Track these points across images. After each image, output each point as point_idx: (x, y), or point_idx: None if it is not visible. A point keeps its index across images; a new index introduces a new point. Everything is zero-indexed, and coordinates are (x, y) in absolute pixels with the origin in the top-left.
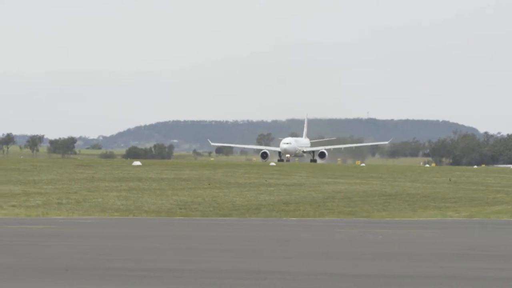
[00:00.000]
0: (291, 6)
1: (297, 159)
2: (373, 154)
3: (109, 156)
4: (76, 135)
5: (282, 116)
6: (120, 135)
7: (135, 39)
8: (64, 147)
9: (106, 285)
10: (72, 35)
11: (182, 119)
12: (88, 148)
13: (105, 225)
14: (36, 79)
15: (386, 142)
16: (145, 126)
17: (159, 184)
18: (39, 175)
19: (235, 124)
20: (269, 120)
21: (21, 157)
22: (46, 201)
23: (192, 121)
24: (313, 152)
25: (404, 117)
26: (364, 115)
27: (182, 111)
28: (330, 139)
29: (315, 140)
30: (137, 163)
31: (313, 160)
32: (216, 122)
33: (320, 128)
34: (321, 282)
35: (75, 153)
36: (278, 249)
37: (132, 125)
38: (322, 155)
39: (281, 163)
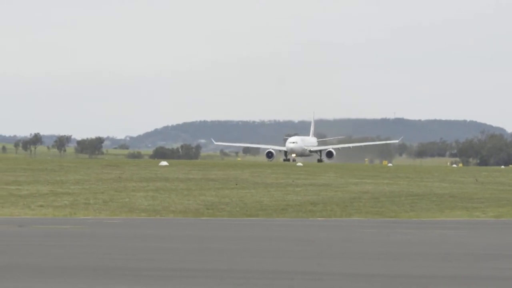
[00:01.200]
0: (311, 6)
1: (308, 158)
2: (400, 154)
3: (136, 156)
4: (103, 135)
5: (309, 117)
6: (147, 135)
7: (150, 40)
8: (92, 147)
9: (130, 285)
10: (94, 36)
11: (209, 119)
12: (115, 148)
13: (132, 226)
14: (64, 80)
15: (396, 141)
16: (172, 126)
17: (186, 185)
18: (66, 175)
19: (262, 124)
20: (296, 120)
21: (49, 157)
22: (74, 201)
23: (219, 121)
24: (320, 151)
25: (431, 117)
26: (391, 115)
27: (209, 111)
28: (338, 137)
29: (322, 139)
30: (164, 163)
31: (320, 160)
32: (242, 122)
33: (346, 128)
34: (347, 282)
35: (102, 153)
36: (306, 249)
37: (159, 125)
38: (329, 154)
39: (309, 163)
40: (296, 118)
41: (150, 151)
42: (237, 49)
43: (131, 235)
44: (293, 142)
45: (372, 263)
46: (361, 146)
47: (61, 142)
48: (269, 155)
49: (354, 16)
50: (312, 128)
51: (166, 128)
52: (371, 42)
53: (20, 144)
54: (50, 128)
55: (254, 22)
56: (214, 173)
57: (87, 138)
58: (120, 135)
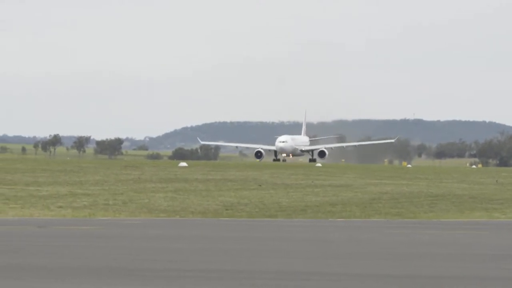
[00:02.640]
0: (324, 6)
1: (300, 158)
2: (420, 155)
3: (155, 157)
4: (122, 136)
5: (328, 118)
6: (167, 136)
7: (164, 41)
8: (111, 148)
9: (149, 286)
10: (110, 38)
11: (228, 120)
12: (134, 149)
13: (152, 226)
14: (84, 81)
15: (392, 140)
16: (191, 127)
17: (206, 185)
18: (85, 176)
19: (281, 125)
20: (315, 122)
21: (68, 158)
22: (93, 202)
23: (238, 122)
24: (312, 151)
25: (450, 118)
26: (410, 116)
27: (228, 112)
28: (333, 136)
29: (314, 138)
30: (183, 164)
31: (312, 160)
32: (262, 123)
33: (366, 129)
34: (365, 283)
35: (121, 154)
36: (323, 249)
37: (178, 126)
38: (322, 154)
39: (328, 163)
40: (315, 119)
41: (169, 152)
42: (254, 49)
43: (149, 236)
44: (283, 141)
45: (391, 263)
46: (355, 146)
47: (81, 143)
48: (258, 155)
49: (367, 15)
50: (304, 127)
51: (185, 129)
52: (385, 42)
53: (40, 145)
54: (69, 129)
55: (271, 22)
56: (233, 174)
57: (106, 139)
58: (139, 136)
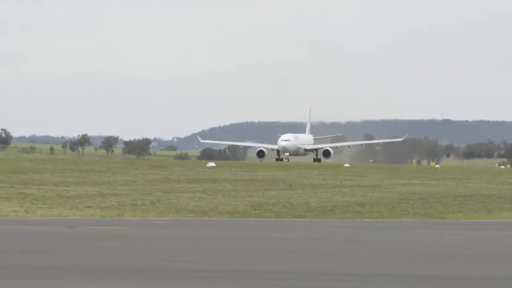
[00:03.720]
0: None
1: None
2: (448, 155)
3: (183, 157)
4: (150, 136)
5: (357, 118)
6: (194, 136)
7: (188, 42)
8: (139, 148)
9: (177, 286)
10: (133, 39)
11: (256, 120)
12: (162, 149)
13: (180, 226)
14: (110, 81)
15: (400, 139)
16: (219, 127)
17: (233, 185)
18: (114, 176)
19: (310, 126)
20: (343, 121)
21: (96, 158)
22: (121, 202)
23: (266, 122)
24: (317, 150)
25: (479, 118)
26: (438, 116)
27: (256, 112)
28: (337, 135)
29: (318, 137)
30: (211, 164)
31: (317, 160)
32: (290, 123)
33: (394, 129)
34: (390, 285)
35: (149, 154)
36: (352, 250)
37: (206, 127)
38: (326, 153)
39: (357, 164)
40: (343, 119)
41: (197, 152)
42: (278, 51)
43: (178, 236)
44: (286, 140)
45: (420, 264)
46: (361, 144)
47: (109, 143)
48: (260, 154)
49: (387, 14)
50: (308, 125)
51: (213, 129)
52: (410, 41)
53: (68, 145)
54: (97, 129)
55: (283, 22)
56: (261, 174)
57: (134, 139)
58: (167, 136)
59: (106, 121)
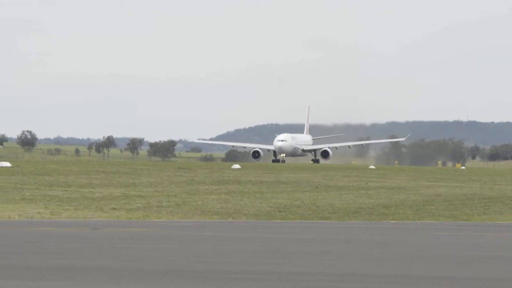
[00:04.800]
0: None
1: (302, 158)
2: (473, 157)
3: (208, 159)
4: (175, 138)
5: (382, 119)
6: (220, 138)
7: (212, 43)
8: (164, 150)
9: (201, 287)
10: (157, 41)
11: (281, 122)
12: (187, 151)
13: (205, 228)
14: (136, 83)
15: (403, 139)
16: (244, 129)
17: (258, 187)
18: (139, 178)
19: (334, 127)
20: (368, 123)
21: (121, 160)
22: (146, 204)
23: (291, 124)
24: (315, 150)
25: (505, 120)
26: (464, 118)
27: (281, 114)
28: (337, 135)
29: (317, 137)
30: (236, 166)
31: (315, 160)
32: (314, 125)
33: (420, 131)
34: (417, 286)
35: (174, 156)
36: (376, 252)
37: (231, 128)
38: (325, 154)
39: (383, 166)
40: (368, 121)
41: (223, 154)
42: (300, 52)
43: (204, 238)
44: (282, 140)
45: (443, 265)
46: (361, 145)
47: (134, 145)
48: (255, 155)
49: (412, 14)
50: (306, 125)
51: (238, 131)
52: (435, 42)
53: (93, 147)
54: (123, 131)
55: (296, 23)
56: (286, 176)
57: (160, 141)
58: (192, 138)
59: (132, 123)
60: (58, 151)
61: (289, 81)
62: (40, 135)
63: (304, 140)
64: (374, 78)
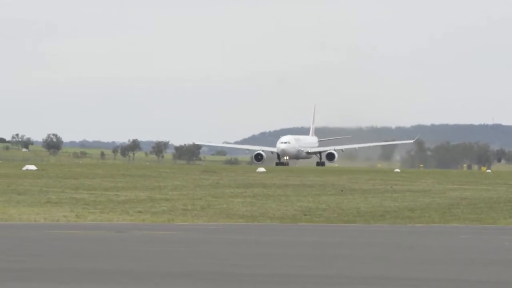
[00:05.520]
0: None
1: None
2: (499, 160)
3: (233, 162)
4: (200, 141)
5: (407, 123)
6: (245, 141)
7: (235, 44)
8: (189, 153)
9: None
10: (184, 42)
11: (306, 125)
12: (212, 155)
13: (230, 231)
14: (161, 86)
15: (411, 141)
16: (269, 132)
17: (284, 191)
18: (164, 181)
19: (359, 130)
20: (393, 126)
21: (147, 163)
22: (172, 207)
23: (317, 128)
24: (320, 153)
25: None
26: (489, 121)
27: (305, 117)
28: (343, 137)
29: (323, 139)
30: (261, 169)
31: (321, 163)
32: (339, 128)
33: (445, 134)
34: None
35: (200, 159)
36: (403, 255)
37: (256, 131)
38: (330, 156)
39: (407, 170)
40: (393, 124)
41: (248, 157)
42: (322, 55)
43: (228, 240)
44: (285, 142)
45: (468, 268)
46: (369, 147)
47: (159, 148)
48: (258, 157)
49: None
50: (312, 126)
51: (263, 134)
52: (458, 43)
53: (119, 150)
54: (148, 134)
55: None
56: (311, 179)
57: (185, 144)
58: (217, 141)
59: (157, 126)
60: (83, 154)
61: (309, 84)
62: (65, 139)
63: (309, 142)
64: (397, 82)
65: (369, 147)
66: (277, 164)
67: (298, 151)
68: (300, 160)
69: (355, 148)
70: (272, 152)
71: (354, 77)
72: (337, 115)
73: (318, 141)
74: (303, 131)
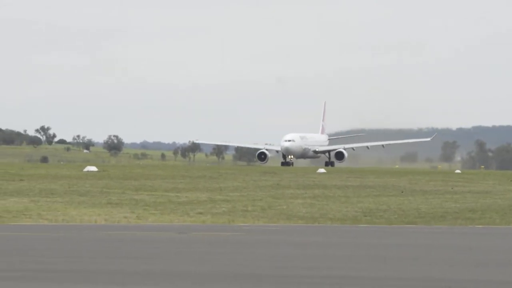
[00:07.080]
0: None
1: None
2: None
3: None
4: (260, 144)
5: (468, 124)
6: None
7: (274, 46)
8: (249, 154)
9: None
10: (237, 46)
11: (367, 127)
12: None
13: (290, 233)
14: (220, 88)
15: (428, 139)
16: (329, 134)
17: (344, 192)
18: (224, 182)
19: (419, 132)
20: (454, 128)
21: (207, 164)
22: (232, 208)
23: (378, 130)
24: (329, 152)
25: None
26: None
27: (364, 118)
28: (357, 135)
29: (334, 137)
30: (321, 170)
31: (329, 163)
32: (399, 130)
33: (507, 135)
34: None
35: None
36: (462, 257)
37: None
38: (339, 156)
39: (468, 170)
40: (454, 125)
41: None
42: (363, 56)
43: (288, 242)
44: (289, 140)
45: None
46: (381, 145)
47: (219, 149)
48: (262, 156)
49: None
50: (322, 123)
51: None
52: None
53: (179, 152)
54: (208, 136)
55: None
56: (371, 180)
57: (245, 146)
58: (277, 142)
59: (217, 128)
60: (144, 155)
61: (361, 86)
62: (126, 140)
63: (317, 140)
64: (460, 83)
65: (381, 146)
66: (282, 163)
67: (304, 149)
68: (307, 160)
69: (366, 147)
70: (277, 151)
71: (405, 78)
72: (399, 117)
73: (328, 139)
74: (362, 132)
